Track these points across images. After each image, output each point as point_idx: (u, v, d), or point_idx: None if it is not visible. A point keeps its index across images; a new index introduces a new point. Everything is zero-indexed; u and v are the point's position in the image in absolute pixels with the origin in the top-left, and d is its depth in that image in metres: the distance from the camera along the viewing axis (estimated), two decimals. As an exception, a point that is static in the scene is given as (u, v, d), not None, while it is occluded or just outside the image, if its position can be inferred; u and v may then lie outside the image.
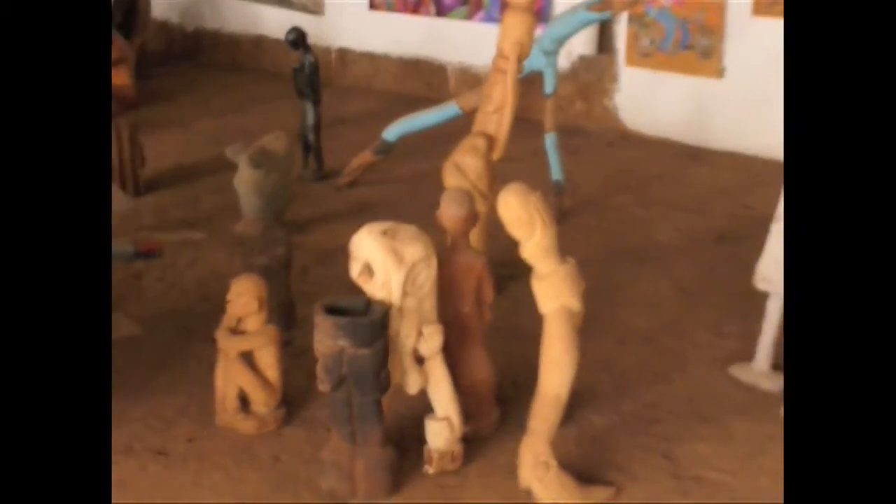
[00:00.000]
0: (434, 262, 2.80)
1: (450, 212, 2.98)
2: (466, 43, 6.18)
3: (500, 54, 3.85)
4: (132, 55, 5.30)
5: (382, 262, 2.72)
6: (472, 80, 6.17)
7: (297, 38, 5.04)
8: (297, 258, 3.95)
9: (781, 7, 5.20)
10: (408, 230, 2.83)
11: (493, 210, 3.14)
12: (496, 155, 3.84)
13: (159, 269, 4.03)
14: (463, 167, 3.78)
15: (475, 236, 3.34)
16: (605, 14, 4.40)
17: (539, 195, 2.74)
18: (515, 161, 4.69)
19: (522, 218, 2.69)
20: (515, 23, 3.80)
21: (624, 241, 4.46)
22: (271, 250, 3.59)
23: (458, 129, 4.63)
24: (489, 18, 6.02)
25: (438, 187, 3.86)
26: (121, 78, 4.73)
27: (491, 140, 3.84)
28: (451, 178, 3.78)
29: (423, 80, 6.43)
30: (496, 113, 3.85)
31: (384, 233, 2.78)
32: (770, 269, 3.14)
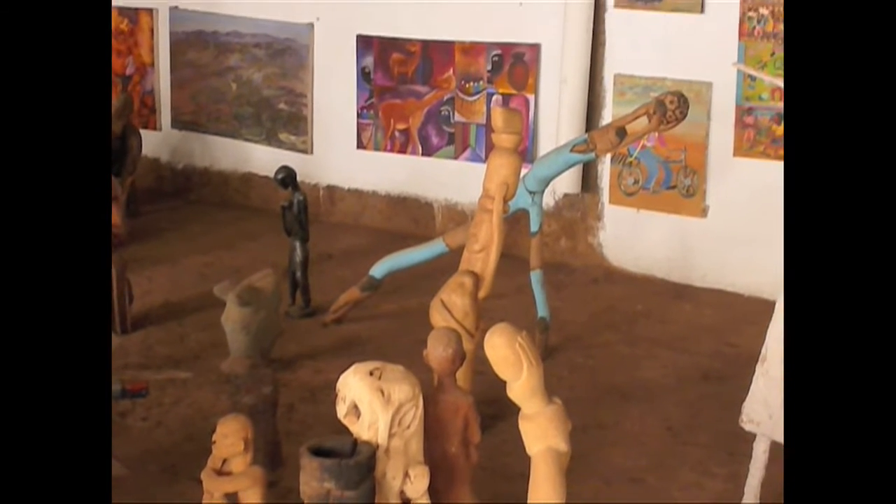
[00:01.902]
0: (421, 403, 2.81)
1: (437, 352, 2.99)
2: (452, 181, 6.28)
3: (486, 194, 3.93)
4: (123, 194, 5.37)
5: (369, 402, 2.72)
6: (458, 216, 6.25)
7: (287, 178, 5.12)
8: (284, 396, 3.94)
9: (761, 148, 5.33)
10: (395, 370, 2.85)
11: (479, 347, 3.17)
12: (483, 293, 3.89)
13: (144, 407, 4.01)
14: (449, 305, 3.82)
15: (462, 375, 3.34)
16: (589, 155, 4.50)
17: (525, 335, 2.77)
18: (501, 298, 4.74)
19: (509, 358, 2.71)
20: (501, 164, 3.89)
21: (610, 378, 4.46)
22: (258, 389, 3.58)
23: (444, 265, 4.68)
24: (474, 158, 6.14)
25: (425, 324, 3.89)
26: (111, 217, 4.78)
27: (477, 278, 3.89)
28: (437, 317, 3.81)
29: (410, 216, 6.51)
30: (482, 252, 3.91)
31: (371, 373, 2.80)
32: (756, 411, 3.15)
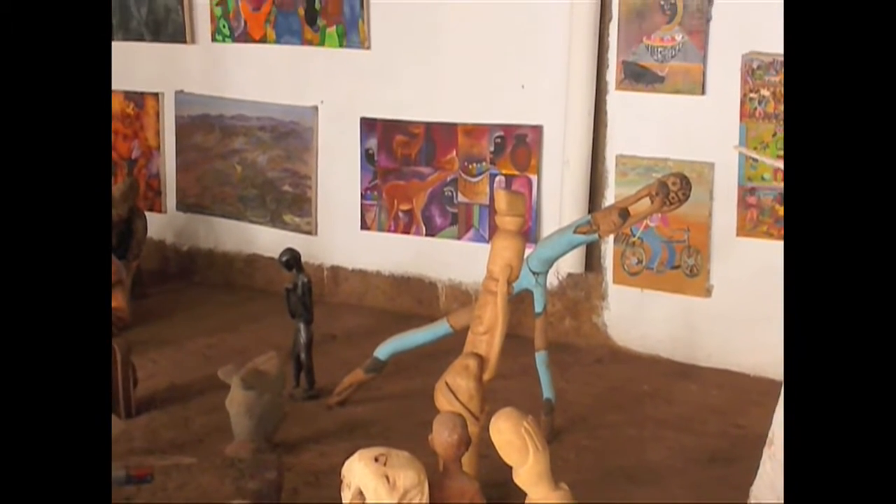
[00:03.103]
0: (426, 489, 2.79)
1: (442, 437, 2.99)
2: (456, 261, 6.30)
3: (490, 276, 3.94)
4: (128, 277, 5.39)
5: (374, 489, 2.71)
6: (462, 296, 6.26)
7: (291, 260, 5.14)
8: (288, 480, 3.91)
9: (764, 228, 5.35)
10: (400, 456, 2.84)
11: (484, 430, 3.15)
12: (487, 376, 3.88)
13: (149, 492, 3.97)
14: (454, 388, 3.81)
15: (467, 459, 3.33)
16: (593, 236, 4.51)
17: (531, 420, 2.76)
18: (506, 378, 4.73)
19: (515, 444, 2.71)
20: (505, 246, 3.91)
21: (616, 460, 4.43)
22: (262, 474, 3.57)
23: (449, 345, 4.68)
24: (478, 238, 6.16)
25: (430, 406, 3.88)
26: (116, 300, 4.78)
27: (482, 361, 3.88)
28: (442, 400, 3.80)
29: (414, 297, 6.52)
30: (487, 334, 3.91)
31: (376, 459, 2.79)
32: (764, 494, 3.13)
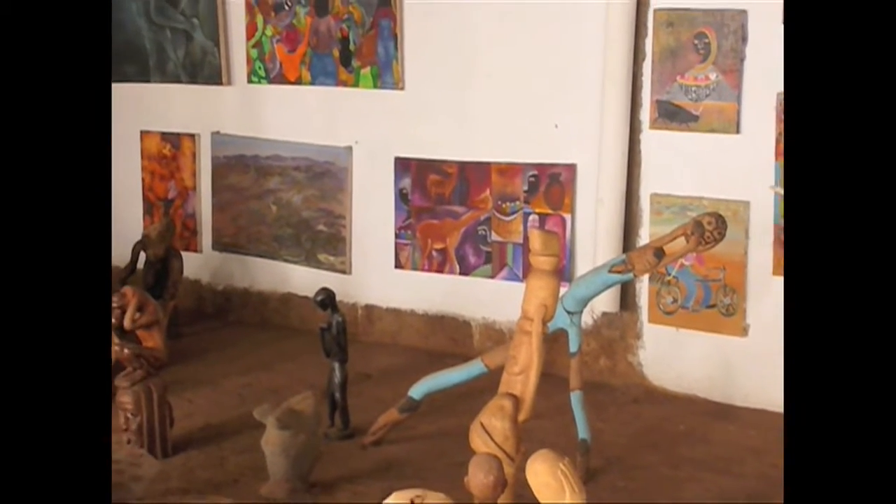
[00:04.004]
0: (463, 531, 2.78)
1: (478, 479, 2.98)
2: (490, 300, 6.30)
3: (525, 316, 3.94)
4: (165, 318, 5.42)
5: (411, 531, 2.70)
6: (496, 335, 6.25)
7: (326, 299, 5.15)
8: (323, 521, 3.91)
9: (800, 266, 5.31)
10: (436, 497, 2.83)
11: (520, 470, 3.14)
12: (523, 416, 3.87)
13: (185, 533, 3.99)
14: (489, 429, 3.80)
15: (503, 500, 3.31)
16: (627, 276, 4.50)
17: (568, 462, 2.75)
18: (541, 418, 4.71)
19: (552, 486, 2.70)
20: (540, 286, 3.91)
21: (653, 502, 4.39)
22: (298, 515, 3.56)
23: (483, 384, 4.68)
24: (512, 276, 6.16)
25: (465, 445, 3.88)
26: (153, 340, 4.83)
27: (517, 401, 3.88)
28: (477, 441, 3.79)
29: (447, 335, 6.52)
30: (522, 374, 3.91)
31: (412, 500, 2.78)
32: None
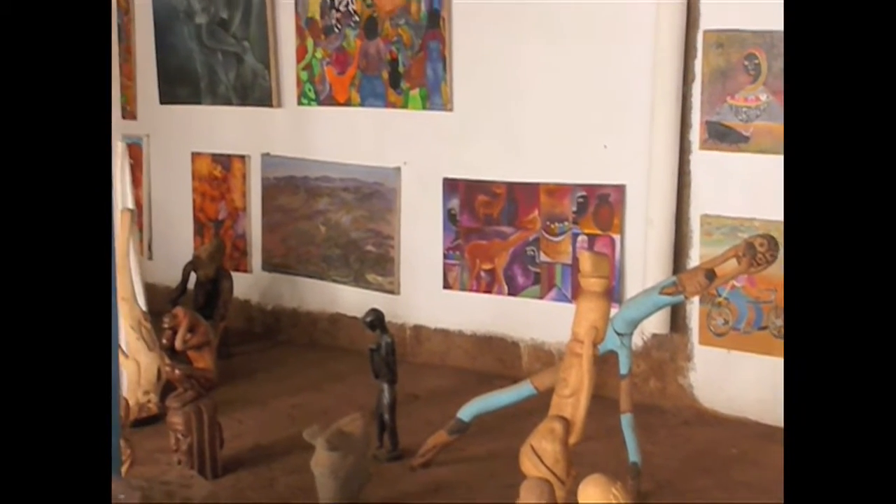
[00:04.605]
0: (514, 555, 2.77)
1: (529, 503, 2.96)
2: (539, 321, 6.28)
3: (576, 338, 3.93)
4: (215, 339, 5.46)
5: (462, 555, 2.69)
6: (545, 356, 6.23)
7: (375, 321, 5.16)
8: (373, 544, 3.91)
9: (853, 288, 5.24)
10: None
11: (571, 494, 3.13)
12: (573, 439, 3.86)
13: (235, 554, 4.00)
14: (540, 452, 3.79)
15: (554, 525, 3.30)
16: (678, 297, 4.47)
17: (620, 486, 2.74)
18: (592, 441, 4.67)
19: (604, 511, 2.68)
20: (590, 308, 3.90)
21: (705, 526, 4.35)
22: (348, 537, 3.57)
23: (532, 406, 4.66)
24: (560, 297, 6.14)
25: (514, 468, 3.86)
26: (204, 361, 4.86)
27: (568, 424, 3.86)
28: (528, 463, 3.78)
29: (496, 356, 6.51)
30: (572, 397, 3.90)
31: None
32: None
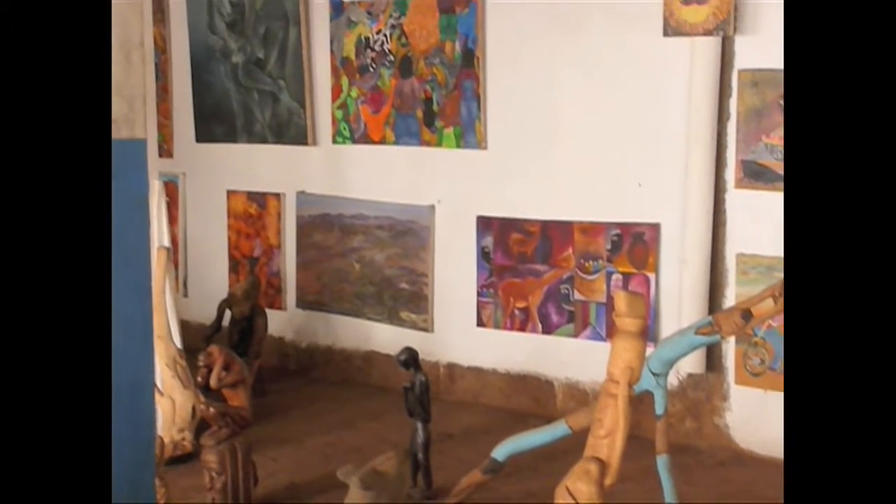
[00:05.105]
0: None
1: (566, 546, 2.94)
2: (573, 359, 6.25)
3: (611, 378, 3.91)
4: (251, 377, 5.47)
5: None
6: (579, 395, 6.20)
7: (409, 359, 5.16)
8: (407, 585, 3.89)
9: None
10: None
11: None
12: (609, 480, 3.83)
13: None
14: (575, 493, 3.77)
15: (590, 567, 3.27)
16: (714, 337, 4.44)
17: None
18: (628, 482, 4.61)
19: (641, 555, 2.66)
20: (626, 348, 3.88)
21: (742, 569, 4.30)
22: (382, 578, 3.55)
23: (567, 445, 4.62)
24: (595, 336, 6.12)
25: (549, 509, 3.84)
26: (238, 399, 4.87)
27: (603, 465, 3.83)
28: (563, 505, 3.76)
29: (530, 395, 6.48)
30: (608, 437, 3.87)
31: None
32: None
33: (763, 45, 5.47)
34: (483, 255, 6.57)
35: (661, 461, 4.56)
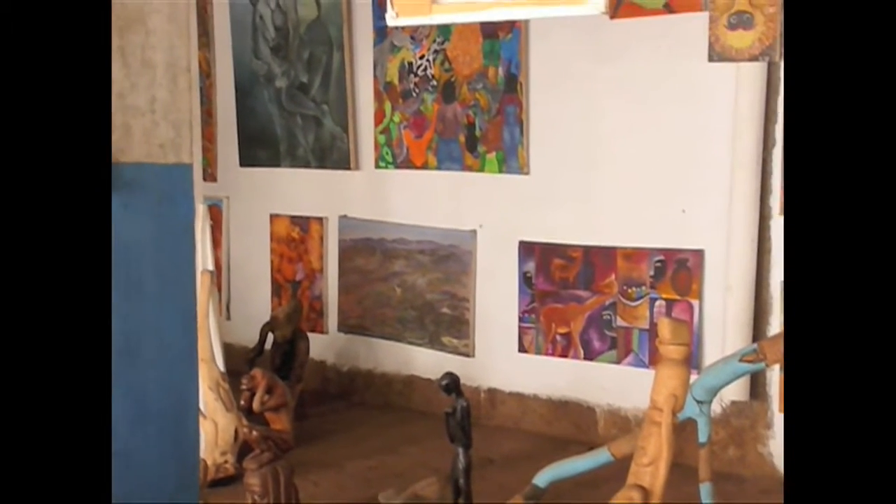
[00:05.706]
0: None
1: (609, 575, 2.92)
2: (615, 386, 6.22)
3: (655, 406, 3.88)
4: (293, 401, 5.49)
5: None
6: (621, 422, 6.16)
7: (451, 384, 5.15)
8: None
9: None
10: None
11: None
12: (652, 509, 3.79)
13: None
14: (618, 521, 3.73)
15: None
16: (759, 365, 4.41)
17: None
18: (670, 511, 4.61)
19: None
20: (669, 375, 3.86)
21: None
22: None
23: (608, 473, 4.59)
24: (637, 363, 6.08)
25: (591, 538, 3.81)
26: (281, 423, 4.90)
27: (646, 493, 3.81)
28: (606, 533, 3.73)
29: (571, 421, 6.45)
30: (651, 465, 3.85)
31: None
32: None
33: (808, 71, 5.44)
34: (525, 280, 6.56)
35: (705, 489, 4.52)
